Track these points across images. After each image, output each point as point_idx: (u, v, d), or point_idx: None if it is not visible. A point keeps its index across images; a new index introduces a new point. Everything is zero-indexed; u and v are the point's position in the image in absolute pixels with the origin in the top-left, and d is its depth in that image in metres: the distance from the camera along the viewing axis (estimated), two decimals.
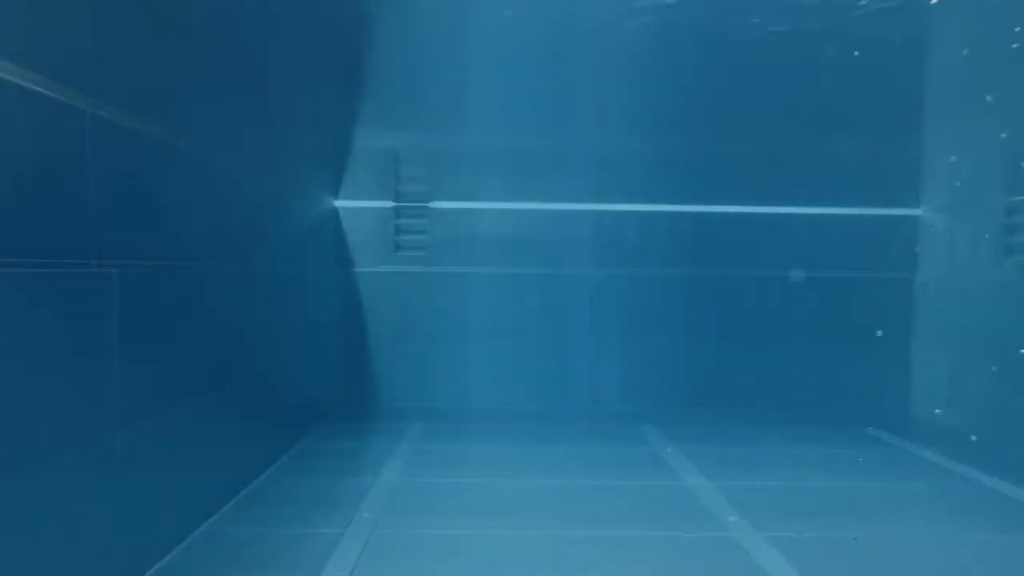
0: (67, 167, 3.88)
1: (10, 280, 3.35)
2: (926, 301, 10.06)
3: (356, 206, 10.21)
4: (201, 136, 5.58)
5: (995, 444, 7.98)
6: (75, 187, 3.94)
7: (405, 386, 10.06)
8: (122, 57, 4.39)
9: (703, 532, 5.53)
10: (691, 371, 10.11)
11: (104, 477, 4.13)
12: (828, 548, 5.28)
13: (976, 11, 5.71)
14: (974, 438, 8.32)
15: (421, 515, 5.84)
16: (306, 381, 8.80)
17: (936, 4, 5.25)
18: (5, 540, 3.35)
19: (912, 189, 10.26)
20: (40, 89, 3.58)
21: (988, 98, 7.60)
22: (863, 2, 5.15)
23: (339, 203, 10.16)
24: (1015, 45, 6.28)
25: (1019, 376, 8.03)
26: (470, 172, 10.17)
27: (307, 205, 9.22)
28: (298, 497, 6.23)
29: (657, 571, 4.90)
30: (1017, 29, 6.35)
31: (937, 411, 9.56)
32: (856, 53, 6.51)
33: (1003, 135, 8.54)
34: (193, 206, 5.45)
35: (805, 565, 4.92)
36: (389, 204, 10.24)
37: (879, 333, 9.43)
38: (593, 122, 8.81)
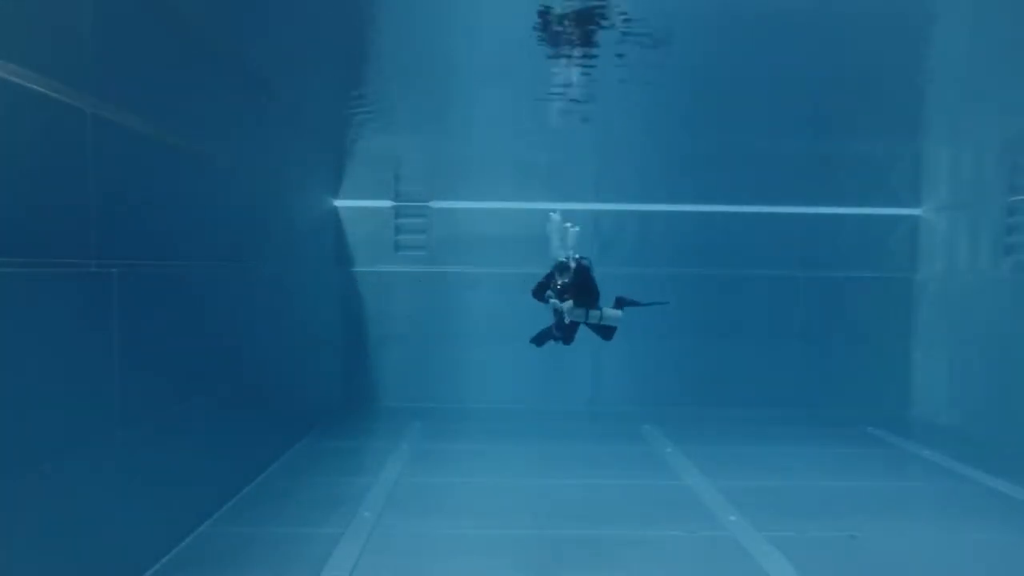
0: (67, 167, 3.88)
1: (10, 280, 3.35)
2: (926, 300, 10.07)
3: (356, 206, 10.21)
4: (202, 137, 5.58)
5: (994, 443, 7.98)
6: (75, 187, 3.94)
7: (404, 386, 10.06)
8: (123, 58, 4.39)
9: (703, 532, 5.53)
10: (691, 371, 10.11)
11: (104, 477, 4.13)
12: (827, 548, 5.28)
13: (976, 11, 5.73)
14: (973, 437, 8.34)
15: (421, 515, 5.84)
16: (306, 380, 8.80)
17: (938, 4, 5.32)
18: (6, 539, 3.35)
19: (912, 189, 10.27)
20: (40, 89, 3.58)
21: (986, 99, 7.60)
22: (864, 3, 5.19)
23: (339, 203, 10.16)
24: (1015, 45, 6.29)
25: (1018, 375, 8.03)
26: (470, 172, 10.17)
27: (307, 205, 9.22)
28: (298, 497, 6.22)
29: (657, 571, 4.91)
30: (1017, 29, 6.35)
31: (936, 411, 9.56)
32: (855, 54, 6.53)
33: (1003, 135, 8.55)
34: (193, 206, 5.45)
35: (805, 565, 4.92)
36: (389, 204, 10.24)
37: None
38: (593, 122, 8.81)
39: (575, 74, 6.23)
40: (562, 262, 6.85)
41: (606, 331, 7.05)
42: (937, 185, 9.97)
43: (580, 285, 6.80)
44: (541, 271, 7.12)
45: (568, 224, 6.98)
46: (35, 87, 3.53)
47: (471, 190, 10.16)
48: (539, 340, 7.30)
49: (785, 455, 7.89)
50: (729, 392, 10.02)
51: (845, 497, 6.44)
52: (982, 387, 8.72)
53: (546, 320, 7.17)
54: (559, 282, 6.84)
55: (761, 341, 10.18)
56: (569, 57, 5.70)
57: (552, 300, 6.83)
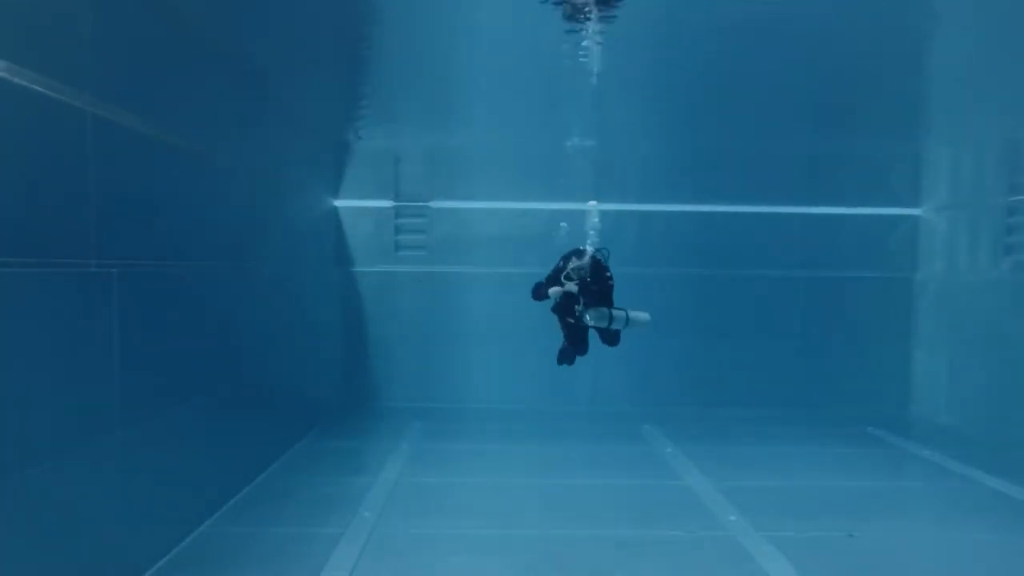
0: (67, 167, 3.88)
1: (10, 280, 3.35)
2: (926, 300, 10.07)
3: (356, 206, 10.21)
4: (201, 137, 5.58)
5: (994, 443, 7.98)
6: (75, 187, 3.94)
7: (404, 386, 10.06)
8: (123, 58, 4.39)
9: (703, 532, 5.53)
10: (691, 371, 10.10)
11: (104, 477, 4.13)
12: (827, 548, 5.28)
13: (977, 11, 5.73)
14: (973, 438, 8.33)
15: (421, 515, 5.84)
16: (306, 380, 8.80)
17: (938, 3, 5.33)
18: (6, 539, 3.35)
19: (912, 189, 10.27)
20: (40, 89, 3.58)
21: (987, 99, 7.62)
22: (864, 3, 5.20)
23: (339, 203, 10.16)
24: (1015, 45, 6.30)
25: (1018, 375, 8.03)
26: (470, 172, 10.17)
27: (307, 205, 9.22)
28: (298, 497, 6.22)
29: (657, 571, 4.90)
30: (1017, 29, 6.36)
31: (936, 411, 9.56)
32: (855, 53, 6.54)
33: (1003, 135, 8.55)
34: (193, 206, 5.45)
35: (804, 564, 4.92)
36: (389, 204, 10.24)
37: None
38: (592, 122, 8.80)
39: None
40: (578, 249, 6.16)
41: (613, 335, 6.39)
42: (937, 185, 9.97)
43: (598, 281, 6.07)
44: (540, 271, 7.05)
45: (564, 224, 6.56)
46: (35, 87, 3.53)
47: (471, 190, 10.16)
48: (565, 358, 6.69)
49: (785, 455, 7.89)
50: (729, 392, 10.02)
51: (845, 497, 6.44)
52: (982, 387, 8.72)
53: (550, 315, 7.11)
54: (571, 272, 6.07)
55: (761, 341, 10.17)
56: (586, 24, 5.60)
57: (585, 313, 6.09)
